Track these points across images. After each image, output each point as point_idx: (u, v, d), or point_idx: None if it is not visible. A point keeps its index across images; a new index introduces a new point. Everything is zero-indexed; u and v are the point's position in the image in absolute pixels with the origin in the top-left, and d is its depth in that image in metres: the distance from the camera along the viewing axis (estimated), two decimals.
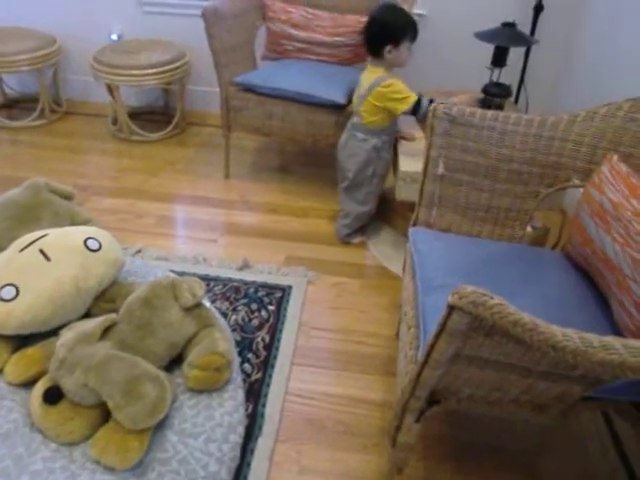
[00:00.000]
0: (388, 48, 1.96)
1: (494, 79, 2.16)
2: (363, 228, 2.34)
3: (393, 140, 2.16)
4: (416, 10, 2.77)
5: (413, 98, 1.98)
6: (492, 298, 0.88)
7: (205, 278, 2.07)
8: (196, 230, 2.36)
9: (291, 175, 2.79)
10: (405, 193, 2.10)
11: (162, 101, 3.29)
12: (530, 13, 2.73)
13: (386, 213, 2.40)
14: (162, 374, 1.06)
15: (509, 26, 2.08)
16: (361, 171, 2.12)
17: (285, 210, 2.51)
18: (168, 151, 2.94)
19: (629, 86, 2.17)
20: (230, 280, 2.09)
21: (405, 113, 1.99)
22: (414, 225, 1.63)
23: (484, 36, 2.08)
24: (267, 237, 2.34)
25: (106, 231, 1.32)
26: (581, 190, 1.45)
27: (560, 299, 1.29)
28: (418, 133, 2.26)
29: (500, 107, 2.12)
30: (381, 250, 2.29)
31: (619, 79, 2.26)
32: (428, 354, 1.01)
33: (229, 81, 2.47)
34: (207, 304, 1.29)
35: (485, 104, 2.09)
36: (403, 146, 2.21)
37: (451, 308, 0.90)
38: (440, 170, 1.56)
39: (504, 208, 1.58)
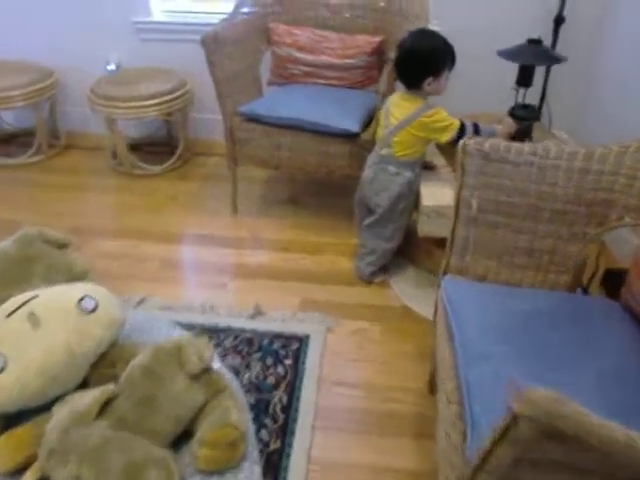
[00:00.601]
0: (428, 80, 1.83)
1: (519, 100, 1.98)
2: (385, 265, 2.16)
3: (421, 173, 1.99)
4: (431, 27, 2.59)
5: (456, 124, 1.85)
6: (568, 404, 0.69)
7: (215, 329, 1.91)
8: (203, 274, 2.19)
9: (303, 208, 2.62)
10: (428, 228, 1.93)
11: (164, 131, 3.13)
12: (550, 26, 2.55)
13: (408, 248, 2.22)
14: (168, 455, 0.93)
15: (535, 42, 1.91)
16: (393, 206, 1.98)
17: (298, 247, 2.34)
18: (171, 185, 2.78)
19: None
20: (242, 331, 1.92)
21: (451, 141, 1.85)
22: (445, 273, 1.45)
23: (508, 54, 1.90)
24: (280, 279, 2.16)
25: (103, 288, 1.17)
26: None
27: (622, 372, 1.11)
28: (439, 160, 2.09)
29: (528, 131, 1.94)
30: (403, 289, 2.11)
31: None
32: (484, 460, 0.83)
33: (233, 111, 2.31)
34: (217, 363, 1.15)
35: (520, 133, 1.95)
36: (424, 176, 2.03)
37: (516, 416, 0.72)
38: (473, 212, 1.38)
39: (547, 252, 1.40)
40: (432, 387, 1.61)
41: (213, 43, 2.19)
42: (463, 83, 2.84)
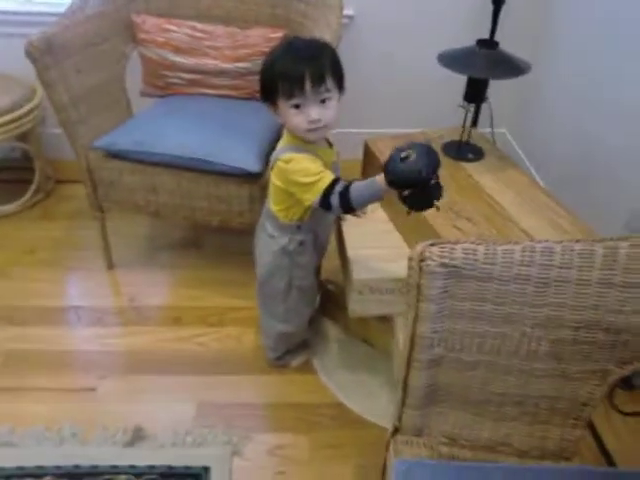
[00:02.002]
0: (268, 107, 1.25)
1: (467, 121, 1.47)
2: (304, 342, 1.64)
3: (317, 239, 1.42)
4: (346, 11, 2.03)
5: (323, 185, 1.19)
6: None
7: (74, 475, 1.34)
8: (63, 372, 1.61)
9: (200, 251, 2.05)
10: (361, 307, 1.43)
11: (19, 152, 2.43)
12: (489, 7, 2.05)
13: (332, 309, 1.71)
14: None
15: (487, 44, 1.39)
16: (270, 279, 1.44)
17: (192, 316, 1.78)
18: (28, 230, 2.14)
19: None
20: (114, 469, 1.36)
21: (316, 207, 1.25)
22: (394, 433, 0.94)
23: (453, 63, 1.40)
24: (169, 372, 1.61)
25: None
26: None
27: None
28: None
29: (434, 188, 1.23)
30: (333, 375, 1.60)
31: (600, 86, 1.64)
32: None
33: (89, 144, 1.68)
34: None
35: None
36: (351, 231, 1.51)
37: None
38: (437, 350, 0.87)
39: (548, 398, 0.93)
40: None
41: (46, 54, 1.55)
42: (397, 94, 2.34)
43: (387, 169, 1.06)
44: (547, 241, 0.84)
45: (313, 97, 1.17)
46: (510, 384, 0.92)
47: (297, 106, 1.18)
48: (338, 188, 1.18)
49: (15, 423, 1.45)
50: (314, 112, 1.18)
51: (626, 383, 1.56)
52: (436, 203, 1.09)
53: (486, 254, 0.82)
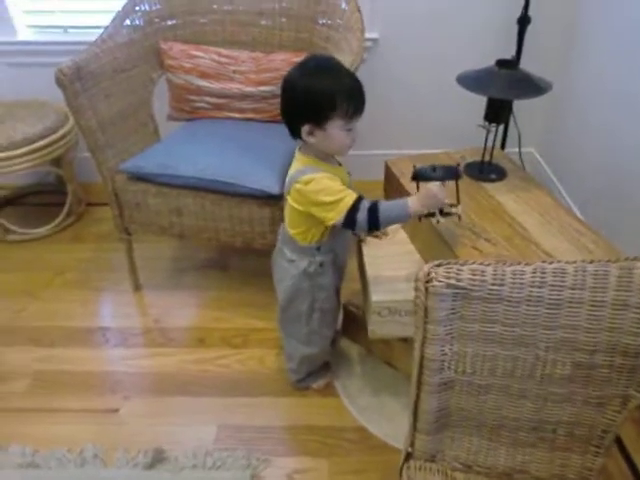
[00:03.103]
0: (307, 129, 1.21)
1: (490, 140, 1.46)
2: (326, 365, 1.63)
3: (337, 259, 1.42)
4: (368, 34, 2.04)
5: (347, 203, 1.20)
6: None
7: None
8: (88, 393, 1.63)
9: (224, 273, 2.07)
10: (381, 330, 1.41)
11: (53, 176, 2.51)
12: (514, 27, 2.05)
13: (356, 330, 1.69)
14: None
15: (507, 65, 1.38)
16: (291, 303, 1.43)
17: (216, 338, 1.79)
18: (59, 252, 2.19)
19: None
20: None
21: (340, 226, 1.25)
22: (407, 458, 0.92)
23: (472, 83, 1.39)
24: (191, 393, 1.62)
25: None
26: None
27: None
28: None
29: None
30: (355, 398, 1.58)
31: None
32: None
33: (115, 167, 1.73)
34: None
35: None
36: (371, 252, 1.50)
37: None
38: (448, 374, 0.85)
39: (565, 424, 0.89)
40: None
41: (76, 81, 1.60)
42: (419, 116, 2.34)
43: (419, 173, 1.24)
44: (559, 262, 0.82)
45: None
46: (525, 409, 0.89)
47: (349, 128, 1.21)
48: (366, 204, 1.20)
49: (38, 444, 1.47)
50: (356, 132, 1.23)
51: None
52: (454, 211, 1.25)
53: (494, 275, 0.80)
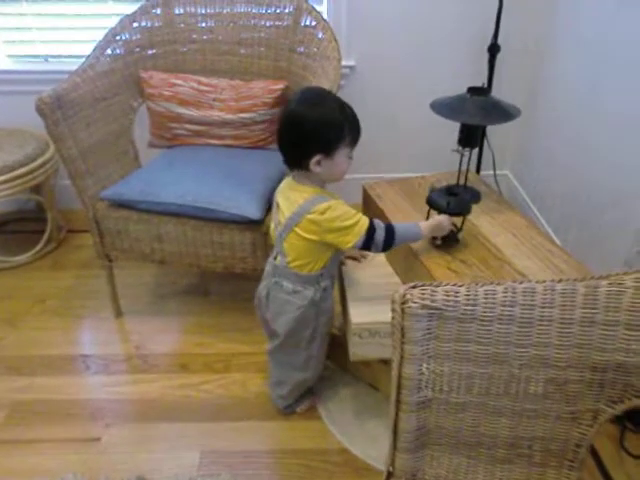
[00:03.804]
0: (316, 159, 1.24)
1: (464, 164, 1.50)
2: (309, 388, 1.64)
3: (335, 279, 1.46)
4: (345, 62, 2.10)
5: (364, 225, 1.27)
6: None
7: None
8: (70, 422, 1.62)
9: (205, 298, 2.08)
10: (361, 351, 1.43)
11: (33, 203, 2.51)
12: (484, 55, 2.11)
13: (337, 352, 1.70)
14: None
15: (478, 92, 1.43)
16: (295, 333, 1.43)
17: (199, 364, 1.79)
18: (39, 280, 2.18)
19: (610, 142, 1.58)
20: None
21: (357, 248, 1.30)
22: (388, 479, 0.94)
23: (445, 110, 1.43)
24: (173, 419, 1.62)
25: None
26: None
27: None
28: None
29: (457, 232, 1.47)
30: (337, 421, 1.59)
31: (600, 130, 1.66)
32: None
33: (96, 195, 1.74)
34: None
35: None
36: (351, 275, 1.53)
37: None
38: (425, 392, 0.87)
39: (540, 440, 0.92)
40: None
41: (57, 110, 1.62)
42: (395, 141, 2.39)
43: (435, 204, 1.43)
44: (529, 281, 0.85)
45: None
46: (501, 425, 0.92)
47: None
48: (381, 224, 1.28)
49: (17, 477, 1.46)
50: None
51: (638, 426, 1.53)
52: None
53: (467, 295, 0.83)
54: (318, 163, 1.24)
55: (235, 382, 1.73)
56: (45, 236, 2.31)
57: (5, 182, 2.07)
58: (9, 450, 1.53)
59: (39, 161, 2.17)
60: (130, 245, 1.78)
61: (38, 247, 2.31)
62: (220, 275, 2.12)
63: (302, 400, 1.62)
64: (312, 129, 1.22)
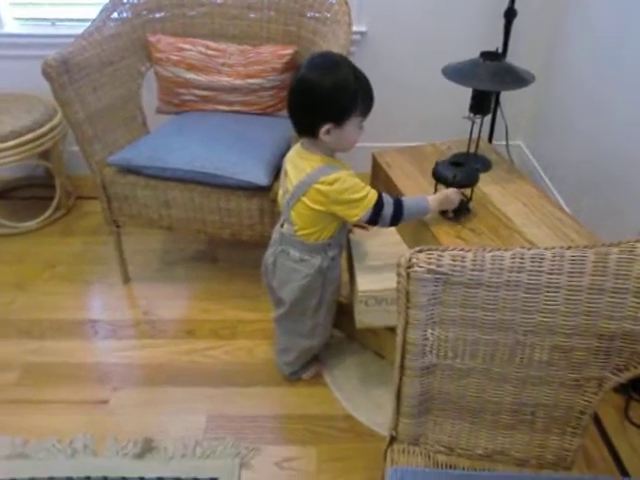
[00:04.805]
0: (326, 127, 1.20)
1: (475, 132, 1.47)
2: (315, 355, 1.64)
3: (343, 249, 1.45)
4: (356, 27, 2.06)
5: (372, 198, 1.25)
6: None
7: None
8: (79, 385, 1.64)
9: (213, 265, 2.08)
10: (368, 319, 1.43)
11: (41, 169, 2.51)
12: (501, 20, 2.06)
13: (344, 320, 1.70)
14: None
15: (491, 56, 1.40)
16: (301, 302, 1.43)
17: (205, 330, 1.80)
18: (49, 245, 2.19)
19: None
20: None
21: (363, 222, 1.28)
22: (391, 442, 0.94)
23: (457, 75, 1.40)
24: (180, 383, 1.63)
25: None
26: None
27: None
28: None
29: (467, 203, 1.44)
30: (343, 387, 1.60)
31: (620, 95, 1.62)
32: None
33: (103, 160, 1.73)
34: None
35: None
36: (359, 243, 1.52)
37: None
38: (429, 358, 0.87)
39: (544, 407, 0.92)
40: None
41: (63, 74, 1.60)
42: (406, 109, 2.35)
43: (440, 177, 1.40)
44: (538, 248, 0.84)
45: None
46: (505, 392, 0.91)
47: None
48: (389, 199, 1.25)
49: (29, 435, 1.48)
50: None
51: None
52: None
53: (474, 260, 0.82)
54: (327, 132, 1.20)
55: (241, 348, 1.73)
56: (54, 202, 2.31)
57: (13, 147, 2.06)
58: (21, 409, 1.56)
59: (47, 127, 2.16)
60: (138, 211, 1.77)
61: (47, 213, 2.31)
62: (228, 242, 2.11)
63: (308, 367, 1.62)
64: (324, 96, 1.18)
